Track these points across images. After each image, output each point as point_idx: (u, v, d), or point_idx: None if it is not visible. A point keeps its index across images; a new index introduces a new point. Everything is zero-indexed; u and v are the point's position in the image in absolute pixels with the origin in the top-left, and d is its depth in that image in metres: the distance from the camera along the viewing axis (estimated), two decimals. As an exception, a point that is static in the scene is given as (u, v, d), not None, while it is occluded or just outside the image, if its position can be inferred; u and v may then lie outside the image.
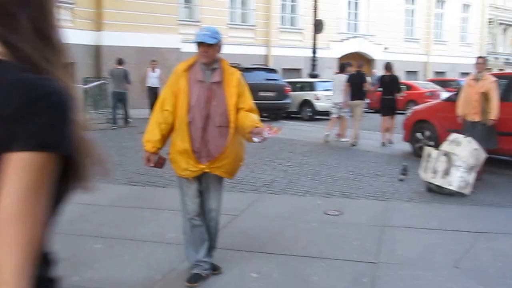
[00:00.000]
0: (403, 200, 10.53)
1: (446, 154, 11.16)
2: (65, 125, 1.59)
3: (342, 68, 19.86)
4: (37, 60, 1.63)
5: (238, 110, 5.96)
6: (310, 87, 29.16)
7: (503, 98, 13.21)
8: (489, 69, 13.05)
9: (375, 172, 13.30)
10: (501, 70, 48.97)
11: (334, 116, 19.59)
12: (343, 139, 19.13)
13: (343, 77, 19.15)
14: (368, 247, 7.59)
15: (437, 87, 34.04)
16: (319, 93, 28.13)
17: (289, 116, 27.94)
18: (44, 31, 1.68)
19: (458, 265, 6.99)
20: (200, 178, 6.14)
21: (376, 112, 20.93)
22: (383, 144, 18.30)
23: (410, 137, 16.29)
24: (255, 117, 5.96)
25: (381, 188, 11.50)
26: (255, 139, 5.70)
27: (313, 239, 7.91)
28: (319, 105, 27.85)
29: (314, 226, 8.57)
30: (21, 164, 1.50)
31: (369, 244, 7.72)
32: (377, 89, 20.40)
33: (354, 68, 19.86)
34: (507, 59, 63.06)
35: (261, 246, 7.53)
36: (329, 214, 9.22)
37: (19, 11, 1.63)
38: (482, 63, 13.17)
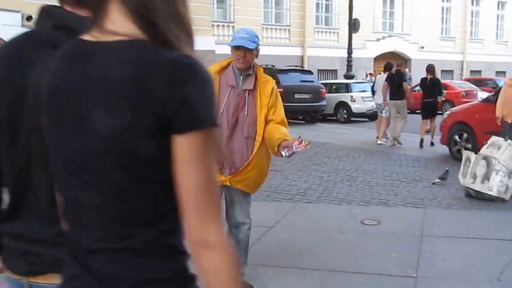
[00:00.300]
0: (442, 207, 10.29)
1: (486, 158, 10.90)
2: (215, 100, 1.74)
3: (388, 68, 19.48)
4: (171, 38, 1.71)
5: (268, 121, 5.66)
6: (346, 88, 28.79)
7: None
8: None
9: (413, 177, 13.06)
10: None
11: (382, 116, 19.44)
12: (380, 142, 19.03)
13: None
14: (407, 259, 7.37)
15: (473, 87, 33.58)
16: (355, 94, 27.88)
17: (325, 118, 27.66)
18: (176, 10, 1.77)
19: (501, 277, 6.74)
20: (222, 190, 5.79)
21: (412, 113, 20.69)
22: (421, 146, 18.06)
23: (447, 140, 15.99)
24: (284, 130, 5.62)
25: (419, 194, 11.26)
26: (283, 153, 5.43)
27: (350, 252, 7.69)
28: (355, 107, 27.66)
29: (350, 237, 8.36)
30: (194, 143, 1.66)
31: (408, 256, 7.50)
32: (412, 89, 20.16)
33: (394, 67, 19.58)
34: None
35: (296, 261, 7.32)
36: (366, 224, 9.00)
37: None
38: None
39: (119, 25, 1.71)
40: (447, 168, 12.58)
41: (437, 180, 12.21)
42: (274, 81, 5.95)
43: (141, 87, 1.62)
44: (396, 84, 18.44)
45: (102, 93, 1.67)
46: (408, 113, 18.98)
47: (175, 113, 1.62)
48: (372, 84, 23.14)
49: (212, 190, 1.70)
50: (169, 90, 1.62)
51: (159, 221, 1.74)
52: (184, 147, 1.65)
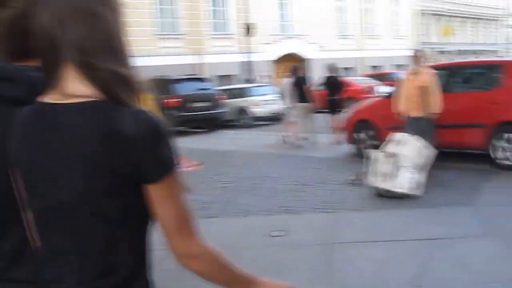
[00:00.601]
0: (353, 210, 9.92)
1: (392, 155, 10.59)
2: (173, 145, 1.85)
3: (294, 72, 19.73)
4: (124, 97, 1.78)
5: None
6: (246, 93, 28.65)
7: (444, 90, 12.97)
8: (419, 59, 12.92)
9: (320, 180, 12.65)
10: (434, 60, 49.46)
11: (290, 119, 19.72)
12: (290, 140, 19.30)
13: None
14: (319, 271, 6.94)
15: (374, 82, 33.92)
16: (255, 98, 27.79)
17: (227, 125, 27.34)
18: (124, 72, 1.83)
19: (419, 283, 6.42)
20: None
21: (318, 112, 20.67)
22: (337, 143, 17.94)
23: (352, 139, 15.82)
24: None
25: (328, 197, 10.84)
26: None
27: (257, 269, 6.73)
28: (257, 111, 27.43)
29: (258, 252, 7.82)
30: (165, 187, 1.82)
31: (320, 267, 7.08)
32: (314, 89, 20.31)
33: (299, 71, 20.04)
34: (440, 48, 63.80)
35: (200, 285, 6.69)
36: (273, 236, 8.48)
37: (104, 54, 1.80)
38: (419, 57, 13.00)
39: (76, 87, 1.78)
40: (359, 170, 12.17)
41: (353, 177, 11.98)
42: (153, 97, 5.42)
43: (105, 147, 1.72)
44: (302, 88, 18.92)
45: (70, 154, 1.76)
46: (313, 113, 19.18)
47: (142, 168, 1.76)
48: (274, 87, 23.35)
49: (186, 214, 1.88)
50: (133, 148, 1.73)
51: (128, 263, 1.85)
52: (158, 192, 1.82)
